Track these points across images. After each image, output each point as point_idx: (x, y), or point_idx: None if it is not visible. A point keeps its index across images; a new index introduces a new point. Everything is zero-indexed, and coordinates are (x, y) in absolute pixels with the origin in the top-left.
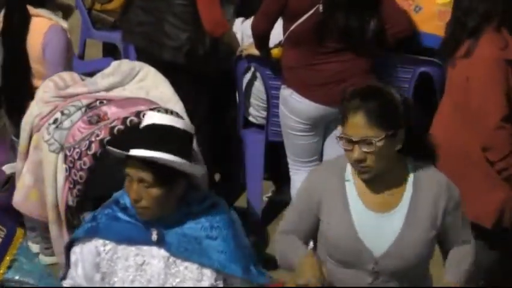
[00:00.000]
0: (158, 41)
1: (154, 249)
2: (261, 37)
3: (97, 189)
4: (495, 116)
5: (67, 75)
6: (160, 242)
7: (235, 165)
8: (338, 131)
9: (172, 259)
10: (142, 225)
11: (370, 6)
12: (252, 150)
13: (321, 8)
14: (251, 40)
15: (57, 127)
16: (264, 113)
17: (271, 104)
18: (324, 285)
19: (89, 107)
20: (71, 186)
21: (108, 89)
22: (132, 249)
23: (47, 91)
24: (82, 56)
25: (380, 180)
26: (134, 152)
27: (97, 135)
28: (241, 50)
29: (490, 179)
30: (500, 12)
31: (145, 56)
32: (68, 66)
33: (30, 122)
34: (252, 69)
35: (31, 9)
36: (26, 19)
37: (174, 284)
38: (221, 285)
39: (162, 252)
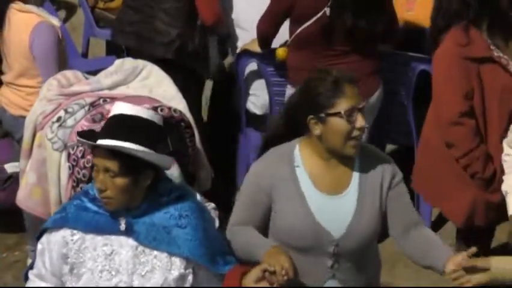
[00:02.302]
0: (149, 38)
1: (122, 238)
2: (265, 37)
3: None
4: (448, 112)
5: (70, 74)
6: (129, 232)
7: (234, 164)
8: None
9: (140, 248)
10: (110, 215)
11: (377, 7)
12: (254, 147)
13: (328, 11)
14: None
15: (60, 125)
16: (262, 103)
17: (273, 101)
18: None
19: (92, 105)
20: (74, 184)
21: (111, 87)
22: (100, 239)
23: (51, 89)
24: (85, 55)
25: (329, 162)
26: (100, 142)
27: None
28: (243, 47)
29: (462, 177)
30: (471, 14)
31: (136, 55)
32: (63, 63)
33: (34, 120)
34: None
35: (21, 5)
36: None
37: (143, 273)
38: (190, 274)
39: (131, 241)
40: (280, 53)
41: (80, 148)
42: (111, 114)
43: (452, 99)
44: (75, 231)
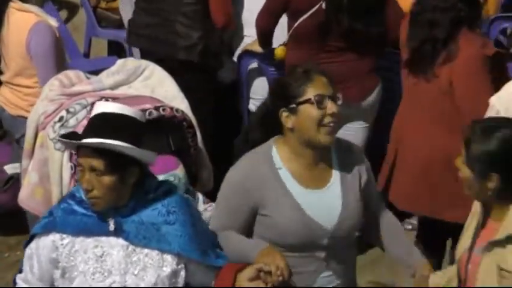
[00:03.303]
0: (171, 41)
1: (112, 239)
2: (264, 34)
3: None
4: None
5: (72, 74)
6: (118, 232)
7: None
8: (342, 128)
9: (131, 247)
10: (98, 216)
11: (374, 10)
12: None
13: (323, 5)
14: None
15: (62, 125)
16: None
17: None
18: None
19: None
20: (76, 184)
21: (113, 87)
22: (90, 241)
23: (53, 89)
24: (87, 54)
25: (307, 158)
26: (84, 140)
27: None
28: (245, 48)
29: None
30: (467, 17)
31: (151, 57)
32: (61, 64)
33: (36, 120)
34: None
35: (20, 5)
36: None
37: (136, 272)
38: (183, 270)
39: (121, 241)
40: (279, 52)
41: None
42: (93, 113)
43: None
44: (64, 235)
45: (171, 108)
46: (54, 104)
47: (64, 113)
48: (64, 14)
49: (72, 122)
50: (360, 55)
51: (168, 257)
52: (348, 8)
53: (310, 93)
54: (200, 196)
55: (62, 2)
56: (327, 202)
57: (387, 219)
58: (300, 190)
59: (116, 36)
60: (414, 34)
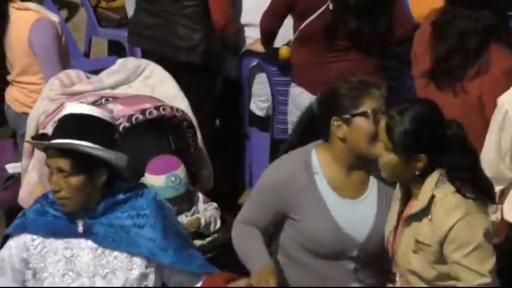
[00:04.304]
0: (172, 43)
1: (82, 241)
2: (268, 34)
3: None
4: None
5: (72, 73)
6: (87, 234)
7: (237, 164)
8: None
9: (100, 250)
10: (68, 218)
11: (380, 11)
12: (257, 147)
13: (331, 6)
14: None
15: None
16: (265, 105)
17: (276, 101)
18: None
19: (94, 104)
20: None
21: (113, 87)
22: (61, 243)
23: (53, 89)
24: (87, 54)
25: (348, 167)
26: (51, 141)
27: None
28: (246, 48)
29: None
30: (497, 26)
31: (153, 58)
32: (64, 59)
33: (36, 119)
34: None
35: (20, 4)
36: (4, 17)
37: (104, 275)
38: (152, 273)
39: (90, 243)
40: (284, 52)
41: None
42: (61, 114)
43: None
44: (35, 237)
45: (171, 108)
46: (54, 103)
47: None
48: (64, 13)
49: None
50: (366, 55)
51: (137, 260)
52: (355, 8)
53: (367, 105)
54: (200, 196)
55: (62, 2)
56: (360, 213)
57: None
58: (334, 199)
59: (116, 35)
60: (442, 44)
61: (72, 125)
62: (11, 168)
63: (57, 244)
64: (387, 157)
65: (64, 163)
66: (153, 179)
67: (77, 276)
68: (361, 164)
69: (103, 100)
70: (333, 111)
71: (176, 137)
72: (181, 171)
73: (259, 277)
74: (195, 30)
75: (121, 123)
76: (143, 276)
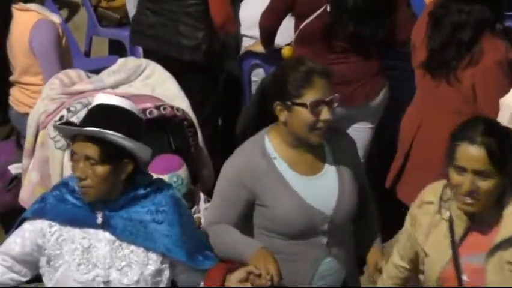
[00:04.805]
0: (175, 42)
1: (100, 232)
2: (267, 34)
3: None
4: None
5: (73, 73)
6: (105, 226)
7: None
8: (348, 129)
9: (118, 243)
10: (88, 208)
11: (379, 15)
12: None
13: (328, 7)
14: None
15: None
16: None
17: None
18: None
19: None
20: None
21: (114, 86)
22: (78, 232)
23: (53, 88)
24: (87, 53)
25: (300, 147)
26: (84, 128)
27: None
28: (246, 48)
29: None
30: (490, 19)
31: (155, 57)
32: (66, 60)
33: (36, 119)
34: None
35: (22, 5)
36: (7, 18)
37: (120, 268)
38: (167, 269)
39: (108, 235)
40: (286, 51)
41: None
42: (93, 104)
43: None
44: (53, 223)
45: (172, 108)
46: (55, 103)
47: (64, 112)
48: (64, 13)
49: (73, 121)
50: (366, 57)
51: (153, 256)
52: (353, 11)
53: (307, 97)
54: (201, 195)
55: (63, 1)
56: (323, 188)
57: (366, 206)
58: (296, 178)
59: (117, 35)
60: (436, 36)
61: (102, 114)
62: (14, 168)
63: (74, 233)
64: (486, 185)
65: (92, 151)
66: None
67: (93, 267)
68: (309, 144)
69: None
70: (278, 94)
71: (177, 137)
72: (183, 172)
73: (257, 261)
74: (197, 29)
75: None
76: (158, 272)
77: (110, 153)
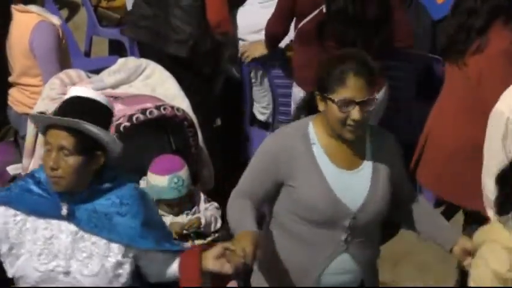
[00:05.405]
0: (164, 34)
1: (63, 223)
2: (274, 39)
3: None
4: None
5: (73, 73)
6: (70, 217)
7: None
8: None
9: (80, 234)
10: (53, 199)
11: (373, 25)
12: (257, 147)
13: (324, 9)
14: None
15: None
16: (267, 111)
17: (278, 102)
18: (248, 263)
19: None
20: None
21: (114, 86)
22: (42, 222)
23: (54, 88)
24: (88, 54)
25: (342, 139)
26: (61, 118)
27: None
28: (245, 51)
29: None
30: (506, 8)
31: (148, 50)
32: (65, 62)
33: None
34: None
35: (22, 6)
36: (7, 19)
37: (81, 259)
38: (128, 263)
39: (71, 227)
40: (290, 50)
41: None
42: (67, 96)
43: None
44: (18, 212)
45: (172, 107)
46: (55, 103)
47: None
48: (64, 13)
49: None
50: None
51: (115, 248)
52: (346, 13)
53: (337, 95)
54: (201, 195)
55: (63, 1)
56: (355, 184)
57: (420, 205)
58: (330, 168)
59: (117, 35)
60: (453, 21)
61: (78, 106)
62: (12, 169)
63: (38, 223)
64: None
65: (67, 141)
66: (156, 179)
67: (54, 257)
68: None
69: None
70: (319, 83)
71: (177, 137)
72: (184, 173)
73: (238, 240)
74: (187, 24)
75: (121, 123)
76: (119, 264)
77: (85, 145)
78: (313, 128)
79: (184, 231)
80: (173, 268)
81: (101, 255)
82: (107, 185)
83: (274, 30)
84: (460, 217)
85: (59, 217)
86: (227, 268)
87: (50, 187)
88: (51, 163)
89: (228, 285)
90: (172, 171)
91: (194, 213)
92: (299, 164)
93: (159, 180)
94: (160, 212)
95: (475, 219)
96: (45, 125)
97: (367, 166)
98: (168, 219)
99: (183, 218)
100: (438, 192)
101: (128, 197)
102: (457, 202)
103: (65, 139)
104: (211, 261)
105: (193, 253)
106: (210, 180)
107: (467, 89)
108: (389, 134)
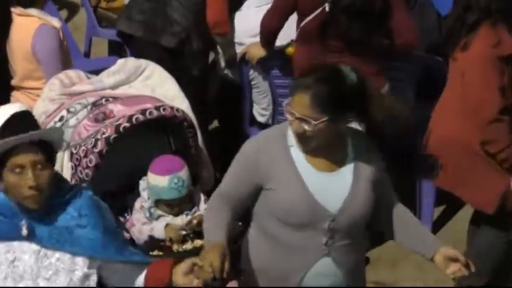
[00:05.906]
0: (161, 27)
1: (24, 244)
2: (269, 34)
3: (102, 187)
4: (490, 111)
5: (72, 73)
6: (31, 236)
7: None
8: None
9: (43, 252)
10: (11, 221)
11: (376, 20)
12: None
13: (327, 7)
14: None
15: (63, 125)
16: (266, 113)
17: (277, 102)
18: (217, 277)
19: (95, 104)
20: (77, 184)
21: (114, 87)
22: (2, 246)
23: (53, 89)
24: (87, 54)
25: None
26: (32, 133)
27: (103, 133)
28: (245, 52)
29: (493, 169)
30: (500, 8)
31: (142, 45)
32: (67, 64)
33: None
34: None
35: (21, 10)
36: (7, 21)
37: (47, 277)
38: (94, 274)
39: (33, 246)
40: (290, 50)
41: (83, 148)
42: (6, 118)
43: (491, 98)
44: None
45: (172, 108)
46: (54, 103)
47: (64, 112)
48: (64, 13)
49: (72, 121)
50: (365, 57)
51: (79, 261)
52: (349, 11)
53: (291, 108)
54: (201, 196)
55: (62, 2)
56: (335, 186)
57: (400, 213)
58: (309, 170)
59: (116, 36)
60: (452, 13)
61: (20, 122)
62: None
63: None
64: None
65: (37, 156)
66: (156, 179)
67: (20, 279)
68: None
69: (103, 100)
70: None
71: (177, 137)
72: (184, 173)
73: (205, 254)
74: (184, 17)
75: (121, 124)
76: (86, 276)
77: (48, 153)
78: (292, 131)
79: (184, 232)
80: (139, 282)
81: (67, 270)
82: (62, 199)
83: (270, 25)
84: (460, 217)
85: (20, 238)
86: (196, 284)
87: (10, 209)
88: (30, 182)
89: (228, 285)
90: (172, 171)
91: (194, 214)
92: (277, 166)
93: (159, 181)
94: (160, 212)
95: (481, 218)
96: (7, 149)
97: (348, 169)
98: (168, 219)
99: (183, 219)
100: (448, 187)
101: (86, 207)
102: (449, 189)
103: (34, 154)
104: (181, 277)
105: (162, 267)
106: (209, 181)
107: (455, 80)
108: (371, 140)
